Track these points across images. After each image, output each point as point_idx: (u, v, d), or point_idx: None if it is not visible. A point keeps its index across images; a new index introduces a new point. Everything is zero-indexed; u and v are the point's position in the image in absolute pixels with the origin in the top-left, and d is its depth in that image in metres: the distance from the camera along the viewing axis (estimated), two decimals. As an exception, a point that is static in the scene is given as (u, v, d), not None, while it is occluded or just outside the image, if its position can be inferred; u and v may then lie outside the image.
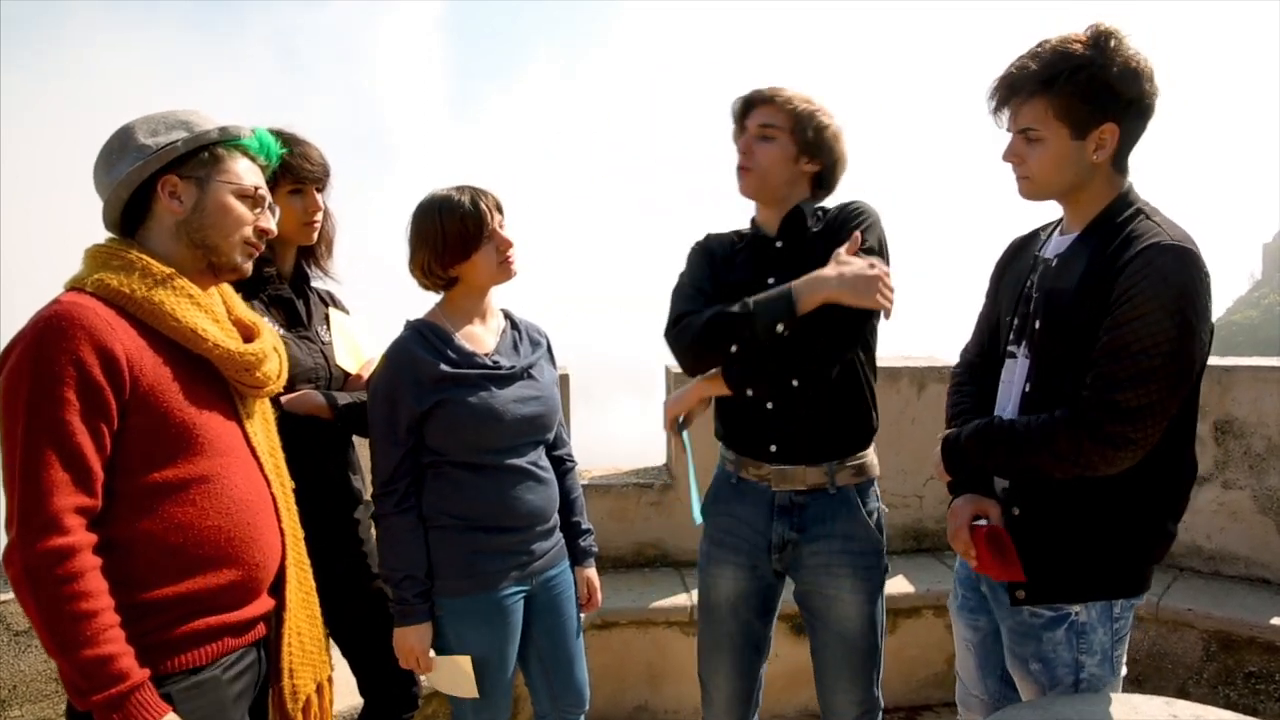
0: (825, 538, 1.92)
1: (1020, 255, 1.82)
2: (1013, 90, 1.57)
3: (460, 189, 1.87)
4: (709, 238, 2.09)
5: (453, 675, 1.88)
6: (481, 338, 1.95)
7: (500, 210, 1.91)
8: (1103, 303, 1.50)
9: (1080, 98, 1.50)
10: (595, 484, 3.56)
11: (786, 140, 1.90)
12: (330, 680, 1.68)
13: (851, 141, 1.99)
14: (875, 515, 1.97)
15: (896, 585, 3.37)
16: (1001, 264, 1.88)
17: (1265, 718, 2.94)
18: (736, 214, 2.14)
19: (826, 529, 1.92)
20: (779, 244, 1.94)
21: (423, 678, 1.95)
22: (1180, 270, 1.44)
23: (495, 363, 1.92)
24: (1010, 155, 1.63)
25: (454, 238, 1.83)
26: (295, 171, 1.90)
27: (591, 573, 2.17)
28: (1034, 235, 1.83)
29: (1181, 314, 1.44)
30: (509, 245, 1.90)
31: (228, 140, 1.47)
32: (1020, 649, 1.69)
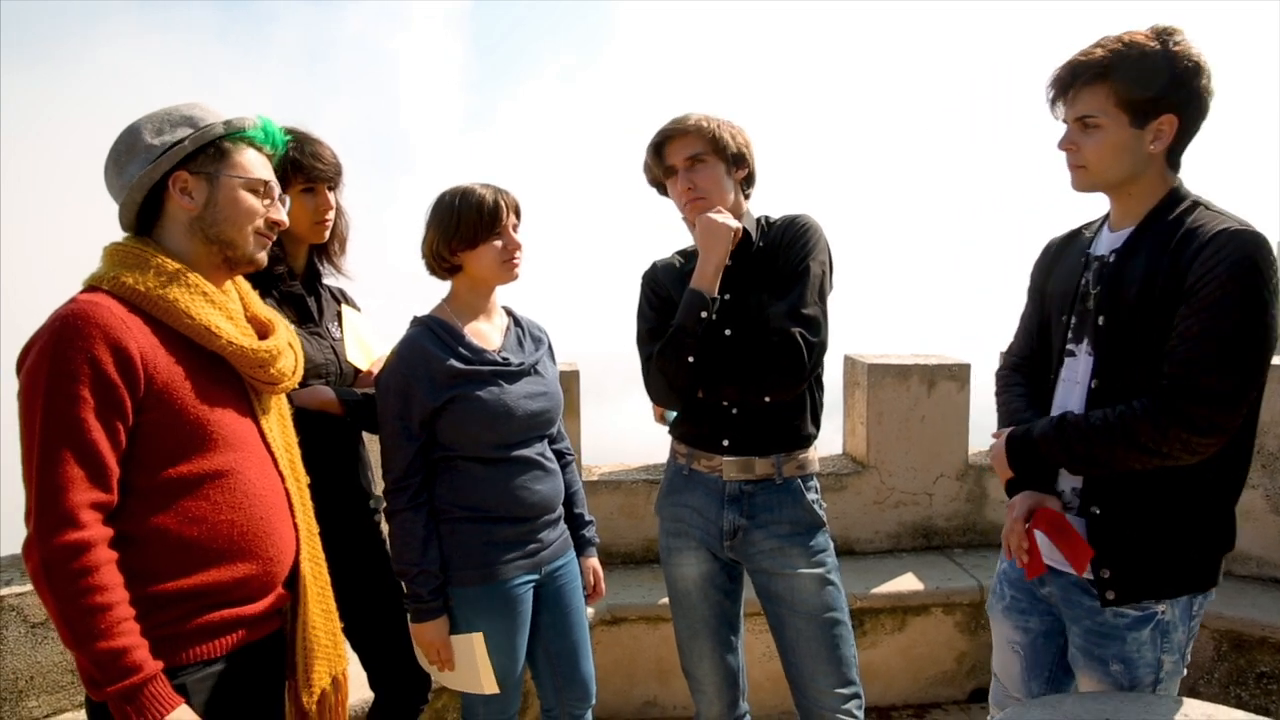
0: (774, 523, 2.01)
1: (1064, 255, 1.79)
2: (1075, 75, 1.55)
3: (485, 185, 1.91)
4: (655, 267, 2.16)
5: (468, 670, 1.89)
6: (488, 334, 1.98)
7: (518, 215, 1.95)
8: (1174, 294, 1.48)
9: (1142, 85, 1.49)
10: (605, 480, 3.57)
11: (716, 161, 1.98)
12: (345, 674, 1.70)
13: (752, 132, 2.07)
14: (816, 505, 2.05)
15: (905, 583, 3.37)
16: (1044, 266, 1.85)
17: (1277, 718, 2.92)
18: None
19: (774, 515, 2.01)
20: (729, 262, 2.00)
21: (438, 679, 1.97)
22: (1254, 254, 1.44)
23: (505, 359, 1.95)
24: (1066, 143, 1.61)
25: (466, 224, 1.87)
26: (307, 171, 1.92)
27: (595, 561, 2.21)
28: (1075, 234, 1.81)
29: (1260, 297, 1.43)
30: (517, 247, 1.93)
31: (233, 133, 1.49)
32: (1101, 650, 1.64)
